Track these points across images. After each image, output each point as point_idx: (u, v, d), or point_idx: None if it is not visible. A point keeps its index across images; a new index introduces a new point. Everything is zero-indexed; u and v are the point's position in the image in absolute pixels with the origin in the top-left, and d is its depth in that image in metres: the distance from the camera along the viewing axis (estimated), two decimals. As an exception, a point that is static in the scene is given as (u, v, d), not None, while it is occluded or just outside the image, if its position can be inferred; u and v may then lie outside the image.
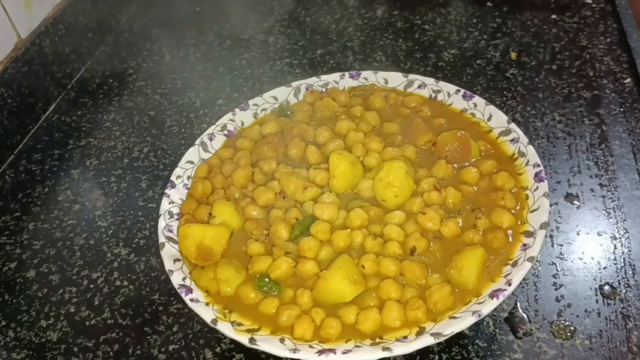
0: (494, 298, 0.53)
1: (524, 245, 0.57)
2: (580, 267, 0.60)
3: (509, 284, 0.53)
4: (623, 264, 0.60)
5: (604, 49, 0.86)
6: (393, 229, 0.59)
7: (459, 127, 0.67)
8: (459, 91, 0.73)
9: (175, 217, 0.65)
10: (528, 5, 0.97)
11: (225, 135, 0.74)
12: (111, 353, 0.59)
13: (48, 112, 0.89)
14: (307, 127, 0.70)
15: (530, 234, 0.58)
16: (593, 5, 0.95)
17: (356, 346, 0.52)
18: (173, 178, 0.69)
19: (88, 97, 0.91)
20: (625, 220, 0.64)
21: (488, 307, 0.52)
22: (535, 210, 0.59)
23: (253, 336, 0.53)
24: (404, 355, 0.54)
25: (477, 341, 0.56)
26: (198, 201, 0.66)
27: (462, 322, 0.52)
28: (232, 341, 0.57)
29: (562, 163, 0.70)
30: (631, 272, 0.59)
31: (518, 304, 0.58)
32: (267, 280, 0.57)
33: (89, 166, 0.80)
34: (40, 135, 0.86)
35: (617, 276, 0.59)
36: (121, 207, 0.73)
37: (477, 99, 0.71)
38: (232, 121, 0.75)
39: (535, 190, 0.61)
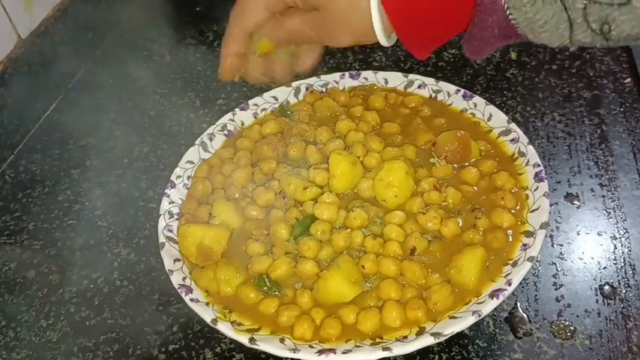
0: (494, 298, 0.53)
1: (524, 245, 0.57)
2: (580, 267, 0.60)
3: (509, 284, 0.53)
4: (623, 264, 0.60)
5: (604, 49, 0.86)
6: (393, 229, 0.59)
7: (459, 127, 0.67)
8: (459, 91, 0.73)
9: (175, 217, 0.65)
10: (528, 5, 0.97)
11: (225, 135, 0.74)
12: (111, 353, 0.59)
13: (48, 112, 0.89)
14: (307, 127, 0.70)
15: (530, 234, 0.58)
16: (593, 5, 0.95)
17: (356, 346, 0.52)
18: (173, 178, 0.69)
19: (87, 97, 0.91)
20: (625, 220, 0.64)
21: (488, 307, 0.52)
22: (535, 210, 0.59)
23: (253, 336, 0.53)
24: (404, 355, 0.54)
25: (477, 341, 0.56)
26: (198, 201, 0.66)
27: (462, 322, 0.52)
28: (232, 341, 0.57)
29: (562, 163, 0.70)
30: (631, 272, 0.59)
31: (518, 304, 0.58)
32: (267, 280, 0.57)
33: (89, 166, 0.80)
34: (40, 135, 0.86)
35: (617, 276, 0.59)
36: (121, 207, 0.73)
37: (477, 99, 0.71)
38: (232, 121, 0.75)
39: (535, 190, 0.61)
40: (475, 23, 0.45)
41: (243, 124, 0.75)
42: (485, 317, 0.55)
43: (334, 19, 0.48)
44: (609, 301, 0.57)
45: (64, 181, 0.78)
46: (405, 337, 0.52)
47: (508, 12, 0.41)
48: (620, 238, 0.62)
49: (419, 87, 0.75)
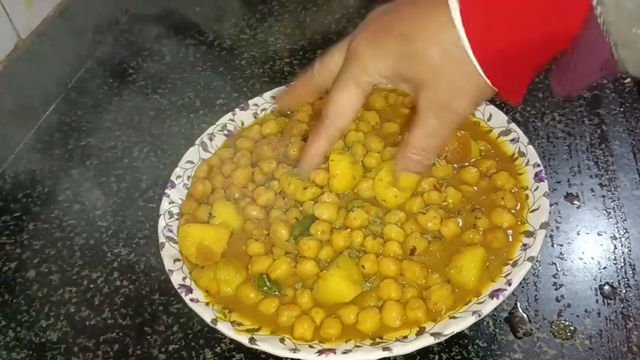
0: (494, 298, 0.53)
1: (524, 245, 0.57)
2: (580, 267, 0.60)
3: (509, 284, 0.53)
4: (623, 264, 0.60)
5: (604, 49, 0.86)
6: (393, 229, 0.59)
7: (459, 127, 0.67)
8: (459, 91, 0.73)
9: (175, 217, 0.65)
10: (528, 5, 0.97)
11: (225, 135, 0.74)
12: (111, 353, 0.59)
13: (48, 112, 0.89)
14: (307, 127, 0.70)
15: (530, 234, 0.58)
16: (593, 5, 0.95)
17: (356, 346, 0.52)
18: (173, 178, 0.69)
19: (88, 97, 0.91)
20: (625, 220, 0.64)
21: (488, 307, 0.52)
22: (535, 210, 0.59)
23: (253, 336, 0.53)
24: (404, 355, 0.54)
25: (477, 341, 0.56)
26: (198, 201, 0.66)
27: (462, 322, 0.52)
28: (232, 341, 0.57)
29: (562, 163, 0.70)
30: (631, 272, 0.59)
31: (518, 304, 0.58)
32: (267, 280, 0.57)
33: (89, 166, 0.80)
34: (40, 135, 0.86)
35: (617, 276, 0.59)
36: (121, 207, 0.73)
37: (477, 99, 0.71)
38: (232, 121, 0.75)
39: (535, 190, 0.61)
40: (572, 58, 0.41)
41: (243, 124, 0.75)
42: (485, 317, 0.55)
43: (438, 80, 0.44)
44: (609, 301, 0.57)
45: (64, 181, 0.78)
46: (405, 337, 0.52)
47: (614, 49, 0.37)
48: (620, 238, 0.62)
49: (419, 87, 0.75)
